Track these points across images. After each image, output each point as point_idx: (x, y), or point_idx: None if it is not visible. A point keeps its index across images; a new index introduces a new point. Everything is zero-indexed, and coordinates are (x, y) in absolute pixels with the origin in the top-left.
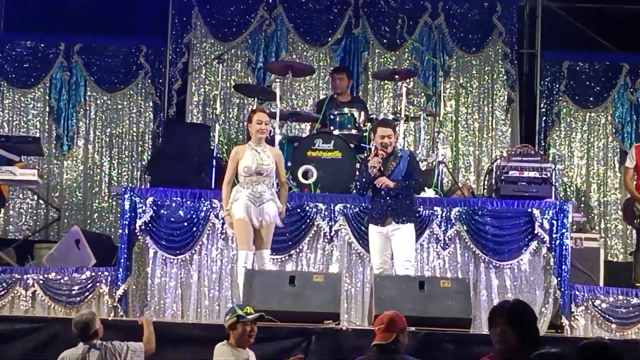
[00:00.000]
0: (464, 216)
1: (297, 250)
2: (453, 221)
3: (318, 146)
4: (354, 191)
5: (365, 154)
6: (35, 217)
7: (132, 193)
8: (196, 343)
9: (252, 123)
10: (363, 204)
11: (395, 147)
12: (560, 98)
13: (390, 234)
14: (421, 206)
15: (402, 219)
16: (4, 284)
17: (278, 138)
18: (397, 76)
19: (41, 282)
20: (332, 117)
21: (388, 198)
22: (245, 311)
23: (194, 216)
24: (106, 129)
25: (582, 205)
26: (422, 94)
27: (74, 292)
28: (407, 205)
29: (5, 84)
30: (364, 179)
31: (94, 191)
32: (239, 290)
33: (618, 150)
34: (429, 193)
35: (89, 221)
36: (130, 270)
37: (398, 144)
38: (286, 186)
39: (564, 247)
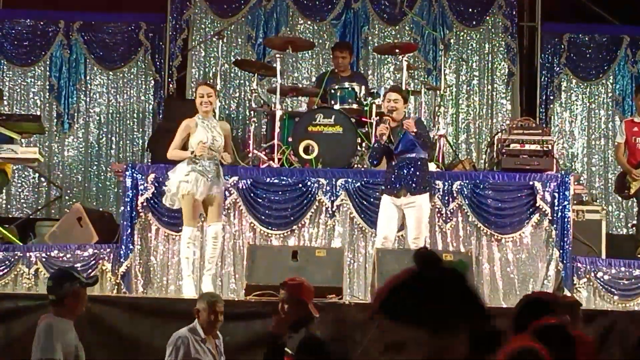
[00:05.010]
0: (465, 190)
1: (299, 225)
2: (455, 195)
3: (319, 121)
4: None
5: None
6: (37, 195)
7: (133, 170)
8: None
9: (196, 96)
10: (365, 179)
11: (405, 115)
12: (561, 71)
13: (404, 207)
14: None
15: (416, 190)
16: (6, 262)
17: (279, 113)
18: (397, 50)
19: (44, 259)
20: (332, 91)
21: (399, 168)
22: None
23: None
24: (107, 107)
25: (584, 177)
26: (423, 68)
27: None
28: (421, 175)
29: (5, 62)
30: (374, 149)
31: (95, 168)
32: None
33: (619, 122)
34: (430, 167)
35: (90, 199)
36: (133, 247)
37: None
38: (229, 158)
39: (566, 220)
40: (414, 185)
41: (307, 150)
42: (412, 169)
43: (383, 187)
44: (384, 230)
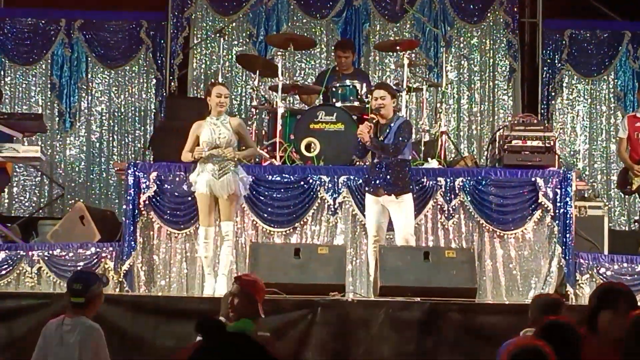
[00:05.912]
0: (467, 186)
1: (302, 222)
2: (457, 191)
3: (320, 118)
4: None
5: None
6: (39, 194)
7: (135, 168)
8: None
9: (212, 96)
10: (366, 176)
11: (396, 114)
12: (563, 67)
13: (387, 205)
14: (425, 177)
15: (395, 190)
16: (9, 261)
17: (280, 111)
18: (398, 47)
19: (46, 258)
20: (334, 89)
21: (379, 167)
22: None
23: None
24: (108, 105)
25: (586, 173)
26: (424, 65)
27: (79, 268)
28: (400, 175)
29: (7, 61)
30: (358, 144)
31: (97, 167)
32: (195, 266)
33: (620, 118)
34: (432, 164)
35: (92, 197)
36: (135, 246)
37: (400, 112)
38: (252, 150)
39: (568, 216)
40: (391, 186)
41: (308, 147)
42: (390, 170)
43: (364, 184)
44: (372, 229)
